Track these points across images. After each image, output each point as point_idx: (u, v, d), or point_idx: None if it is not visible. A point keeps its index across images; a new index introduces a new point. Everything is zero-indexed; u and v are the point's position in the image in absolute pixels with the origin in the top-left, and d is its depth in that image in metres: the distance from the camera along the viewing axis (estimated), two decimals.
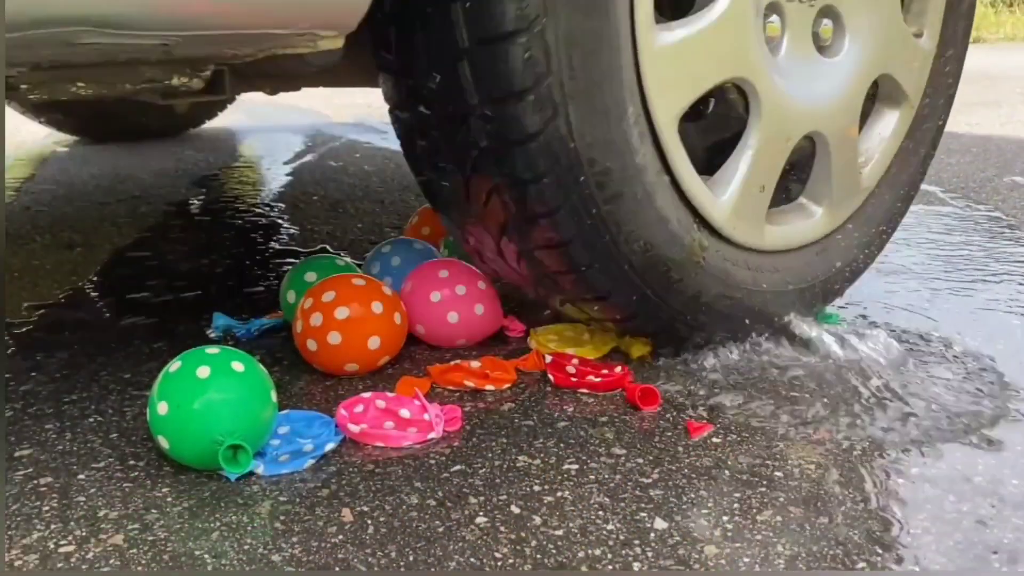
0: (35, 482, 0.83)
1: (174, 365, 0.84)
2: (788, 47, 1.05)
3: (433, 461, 0.86)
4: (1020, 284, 1.39)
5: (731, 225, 1.04)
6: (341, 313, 1.02)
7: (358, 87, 1.52)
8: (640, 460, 0.86)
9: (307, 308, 1.04)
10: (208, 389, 0.82)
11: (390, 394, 0.96)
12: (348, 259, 1.22)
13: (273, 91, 1.60)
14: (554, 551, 0.72)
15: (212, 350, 0.85)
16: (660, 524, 0.76)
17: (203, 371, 0.82)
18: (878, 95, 1.19)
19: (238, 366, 0.84)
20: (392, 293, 1.08)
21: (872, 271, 1.28)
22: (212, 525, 0.76)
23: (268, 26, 0.84)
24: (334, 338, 1.02)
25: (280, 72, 1.23)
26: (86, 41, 0.75)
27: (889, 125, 1.20)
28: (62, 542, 0.74)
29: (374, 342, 1.03)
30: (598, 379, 1.01)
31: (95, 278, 1.47)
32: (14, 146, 2.86)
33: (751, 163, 1.04)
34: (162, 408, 0.82)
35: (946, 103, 1.26)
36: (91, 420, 0.95)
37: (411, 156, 1.05)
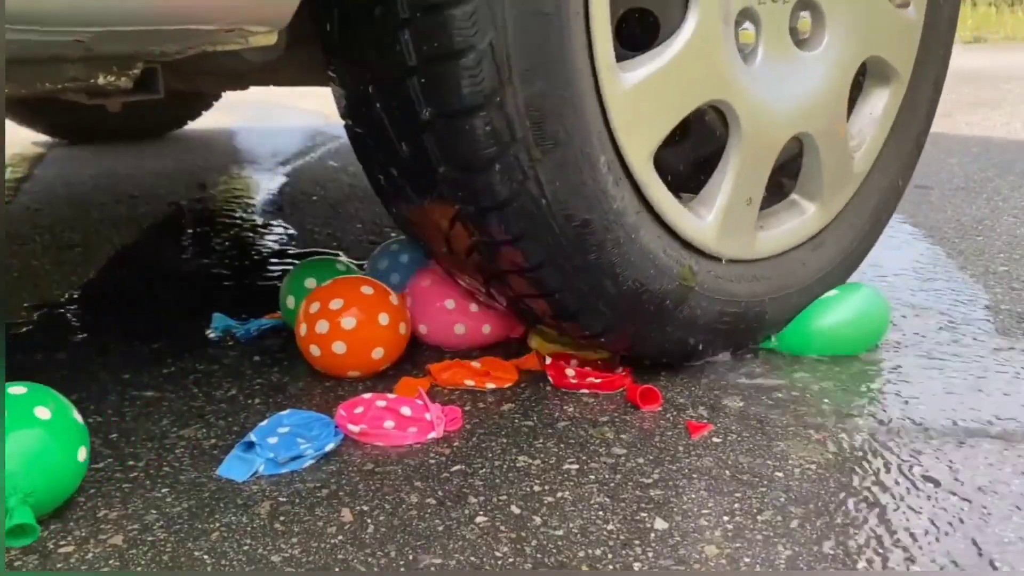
0: None
1: None
2: (764, 51, 1.00)
3: (433, 461, 0.86)
4: None
5: (720, 244, 1.02)
6: (348, 323, 1.01)
7: (306, 85, 1.47)
8: (640, 460, 0.86)
9: (313, 313, 1.03)
10: (4, 439, 0.70)
11: (391, 395, 0.96)
12: (348, 260, 1.22)
13: (217, 89, 1.55)
14: (554, 551, 0.72)
15: (17, 389, 0.75)
16: (660, 524, 0.76)
17: None
18: (867, 75, 1.14)
19: (43, 412, 0.74)
20: (398, 302, 1.07)
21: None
22: (212, 525, 0.76)
23: (189, 21, 0.80)
24: (339, 347, 1.01)
25: (218, 70, 1.16)
26: None
27: (880, 104, 1.15)
28: (62, 542, 0.74)
29: (378, 352, 1.03)
30: (598, 380, 1.01)
31: (95, 278, 1.47)
32: (14, 146, 2.86)
33: (734, 181, 1.01)
34: None
35: (940, 73, 1.21)
36: (91, 420, 0.95)
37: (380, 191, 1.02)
